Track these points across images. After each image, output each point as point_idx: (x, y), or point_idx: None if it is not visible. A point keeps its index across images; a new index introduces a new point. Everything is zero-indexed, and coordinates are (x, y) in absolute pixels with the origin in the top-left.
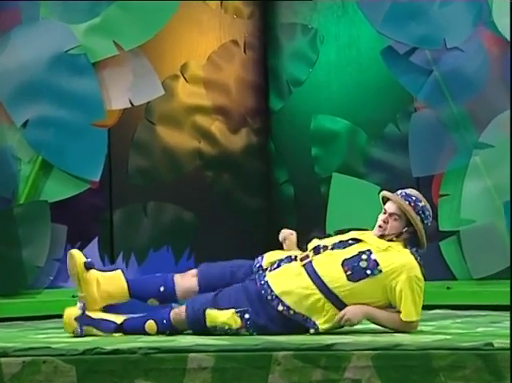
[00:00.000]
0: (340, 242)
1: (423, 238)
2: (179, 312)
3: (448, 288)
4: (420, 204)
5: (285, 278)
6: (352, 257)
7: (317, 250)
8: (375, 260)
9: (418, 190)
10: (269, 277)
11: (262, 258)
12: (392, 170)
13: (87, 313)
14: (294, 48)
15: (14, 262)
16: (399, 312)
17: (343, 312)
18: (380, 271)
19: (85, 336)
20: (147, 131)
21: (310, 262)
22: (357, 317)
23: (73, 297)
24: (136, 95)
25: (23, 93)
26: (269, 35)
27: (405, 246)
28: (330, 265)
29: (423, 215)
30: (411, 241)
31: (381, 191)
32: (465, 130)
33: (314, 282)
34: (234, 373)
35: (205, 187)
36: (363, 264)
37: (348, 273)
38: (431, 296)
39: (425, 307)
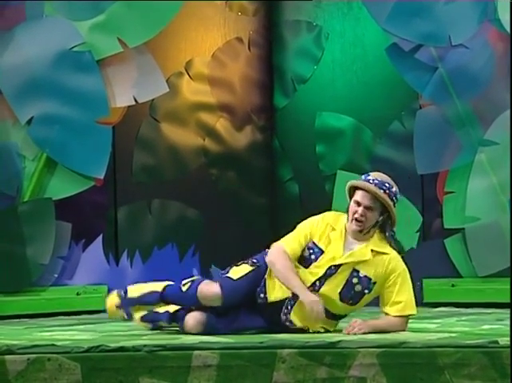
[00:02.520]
0: (325, 273)
1: (395, 221)
2: (208, 287)
3: (453, 285)
4: (393, 190)
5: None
6: (345, 286)
7: (314, 287)
8: (365, 276)
9: (422, 187)
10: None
11: (264, 291)
12: (397, 167)
13: (128, 295)
14: (299, 45)
15: (19, 259)
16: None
17: (352, 326)
18: (375, 283)
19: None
20: (151, 128)
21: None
22: (364, 330)
23: (78, 294)
24: (141, 92)
25: (28, 90)
26: (274, 32)
27: (383, 237)
28: (332, 302)
29: (395, 200)
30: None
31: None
32: (470, 127)
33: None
34: (238, 371)
35: (209, 184)
36: (358, 288)
37: (350, 302)
38: (436, 293)
39: (430, 305)
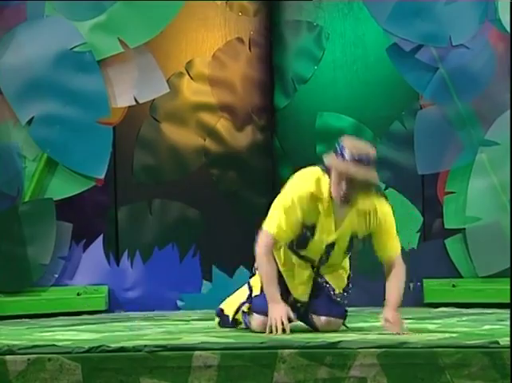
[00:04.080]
0: (326, 250)
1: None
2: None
3: (454, 286)
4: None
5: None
6: (349, 246)
7: (321, 261)
8: (363, 237)
9: (423, 187)
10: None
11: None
12: (398, 167)
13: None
14: (299, 45)
15: (20, 259)
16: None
17: (394, 329)
18: (370, 233)
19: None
20: (152, 128)
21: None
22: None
23: (78, 295)
24: (141, 92)
25: (28, 91)
26: (275, 32)
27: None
28: (338, 259)
29: (342, 156)
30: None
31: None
32: (471, 127)
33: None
34: (239, 371)
35: (210, 184)
36: (358, 242)
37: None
38: (437, 294)
39: (431, 305)
